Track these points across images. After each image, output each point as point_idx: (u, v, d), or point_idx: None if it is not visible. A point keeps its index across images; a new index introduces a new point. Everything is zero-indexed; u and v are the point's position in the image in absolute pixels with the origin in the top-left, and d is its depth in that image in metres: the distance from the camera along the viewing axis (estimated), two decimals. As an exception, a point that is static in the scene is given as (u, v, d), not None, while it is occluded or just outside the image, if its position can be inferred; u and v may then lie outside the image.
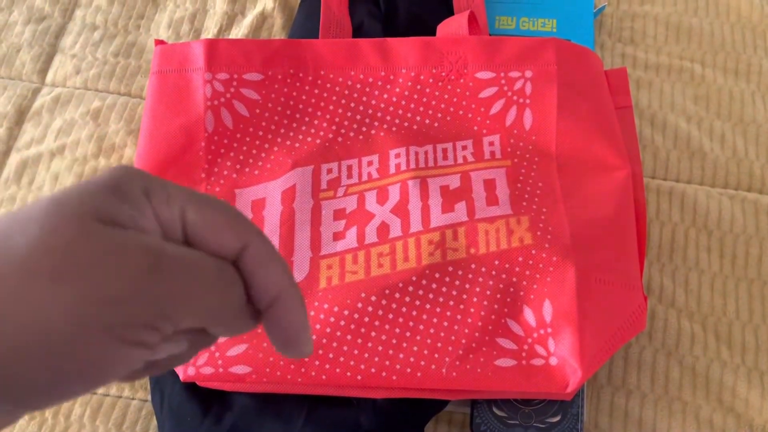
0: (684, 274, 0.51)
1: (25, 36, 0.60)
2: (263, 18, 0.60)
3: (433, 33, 0.52)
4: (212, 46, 0.48)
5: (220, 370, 0.41)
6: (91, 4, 0.62)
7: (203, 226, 0.21)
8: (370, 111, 0.48)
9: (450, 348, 0.41)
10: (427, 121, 0.48)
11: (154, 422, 0.46)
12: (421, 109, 0.48)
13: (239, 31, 0.59)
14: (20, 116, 0.57)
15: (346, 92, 0.48)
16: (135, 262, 0.19)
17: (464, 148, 0.47)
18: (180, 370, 0.42)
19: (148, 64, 0.59)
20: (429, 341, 0.41)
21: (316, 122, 0.48)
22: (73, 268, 0.18)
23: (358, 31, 0.54)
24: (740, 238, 0.52)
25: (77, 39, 0.60)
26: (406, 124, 0.48)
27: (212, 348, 0.42)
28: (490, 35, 0.55)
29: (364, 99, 0.48)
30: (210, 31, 0.60)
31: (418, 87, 0.48)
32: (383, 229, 0.44)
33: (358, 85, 0.48)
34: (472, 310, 0.42)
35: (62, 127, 0.56)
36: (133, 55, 0.59)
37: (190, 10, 0.61)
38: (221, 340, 0.42)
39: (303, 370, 0.41)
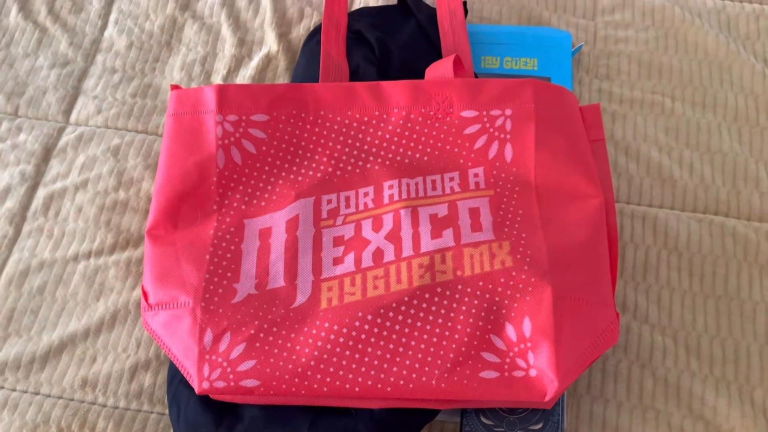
0: (656, 292, 0.55)
1: (51, 79, 0.66)
2: (268, 60, 0.65)
3: (422, 75, 0.57)
4: (222, 90, 0.53)
5: (232, 384, 0.46)
6: (111, 49, 0.67)
7: None
8: (365, 147, 0.53)
9: (439, 362, 0.46)
10: (418, 155, 0.53)
11: (172, 433, 0.51)
12: (412, 144, 0.53)
13: (246, 72, 0.65)
14: (47, 154, 0.62)
15: (344, 130, 0.53)
16: None
17: (451, 179, 0.52)
18: (195, 384, 0.46)
19: (164, 103, 0.64)
20: (420, 356, 0.46)
21: (317, 157, 0.53)
22: None
23: (355, 74, 0.59)
24: (708, 258, 0.56)
25: (98, 81, 0.65)
26: (398, 158, 0.53)
27: (224, 363, 0.46)
28: (476, 74, 0.60)
29: (360, 136, 0.53)
30: (219, 73, 0.65)
31: (409, 125, 0.53)
32: (378, 254, 0.49)
33: (355, 124, 0.54)
34: (458, 327, 0.46)
35: (85, 163, 0.61)
36: (149, 95, 0.65)
37: (201, 53, 0.66)
38: (233, 356, 0.46)
39: (306, 383, 0.45)
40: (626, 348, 0.53)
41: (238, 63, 0.66)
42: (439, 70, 0.55)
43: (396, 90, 0.54)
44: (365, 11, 0.64)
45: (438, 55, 0.60)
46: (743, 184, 0.59)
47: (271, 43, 0.66)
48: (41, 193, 0.60)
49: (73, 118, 0.64)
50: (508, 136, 0.52)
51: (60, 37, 0.68)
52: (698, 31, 0.65)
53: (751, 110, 0.62)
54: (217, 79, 0.65)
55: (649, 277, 0.56)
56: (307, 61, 0.61)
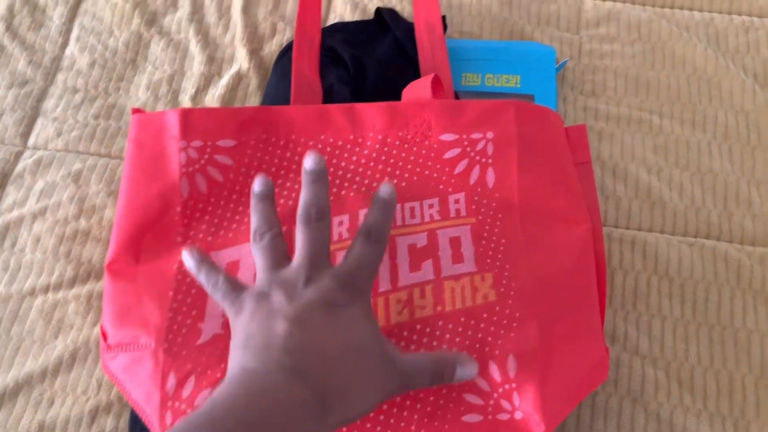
0: (647, 321, 0.53)
1: (8, 100, 0.62)
2: (239, 78, 0.62)
3: (399, 93, 0.54)
4: (186, 115, 0.49)
5: None
6: (72, 68, 0.64)
7: None
8: (339, 173, 0.50)
9: (419, 405, 0.43)
10: (395, 182, 0.50)
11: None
12: (389, 170, 0.50)
13: (216, 91, 0.62)
14: (3, 179, 0.59)
15: (317, 156, 0.50)
16: None
17: (431, 206, 0.49)
18: (155, 429, 0.43)
19: (128, 125, 0.61)
20: (398, 399, 0.43)
21: (288, 184, 0.50)
22: None
23: (328, 94, 0.56)
24: (700, 284, 0.54)
25: (59, 102, 0.62)
26: (375, 184, 0.50)
27: (188, 411, 0.43)
28: (456, 92, 0.58)
29: (334, 161, 0.50)
30: (188, 92, 0.62)
31: (386, 149, 0.50)
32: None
33: (328, 148, 0.51)
34: (438, 368, 0.43)
35: (44, 189, 0.58)
36: (113, 116, 0.61)
37: (168, 72, 0.63)
38: (198, 402, 0.43)
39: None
40: (616, 382, 0.51)
41: (207, 81, 0.62)
42: (417, 90, 0.52)
43: (371, 113, 0.51)
44: (340, 26, 0.61)
45: (416, 72, 0.58)
46: (735, 205, 0.57)
47: (242, 60, 0.63)
48: (-3, 222, 0.57)
49: (31, 141, 0.61)
50: (490, 161, 0.50)
51: (18, 56, 0.64)
52: (686, 45, 0.63)
53: (741, 128, 0.60)
54: (185, 99, 0.62)
55: (639, 306, 0.53)
56: (278, 79, 0.58)
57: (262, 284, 0.40)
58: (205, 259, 0.42)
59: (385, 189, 0.43)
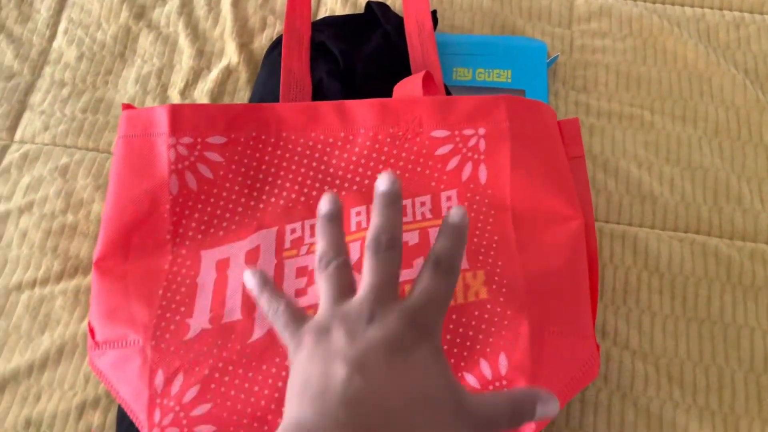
0: (637, 316, 0.53)
1: (-6, 93, 0.61)
2: (228, 72, 0.62)
3: (390, 89, 0.54)
4: (175, 111, 0.49)
5: (185, 430, 0.42)
6: (60, 61, 0.63)
7: None
8: (331, 170, 0.50)
9: (409, 402, 0.43)
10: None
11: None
12: (380, 167, 0.50)
13: (205, 85, 0.61)
14: (-11, 174, 0.58)
15: (308, 152, 0.50)
16: None
17: (422, 204, 0.49)
18: (144, 429, 0.43)
19: (116, 119, 0.60)
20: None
21: (279, 182, 0.50)
22: None
23: (318, 88, 0.56)
24: (690, 280, 0.54)
25: (46, 96, 0.61)
26: (366, 182, 0.50)
27: (176, 408, 0.43)
28: (447, 87, 0.57)
29: (326, 159, 0.50)
30: (177, 86, 0.61)
31: (377, 146, 0.50)
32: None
33: (319, 146, 0.50)
34: (429, 365, 0.43)
35: (31, 184, 0.57)
36: (101, 110, 0.61)
37: (157, 65, 0.62)
38: (186, 399, 0.43)
39: (266, 427, 0.42)
40: (606, 377, 0.51)
41: (196, 75, 0.62)
42: (408, 87, 0.52)
43: (362, 109, 0.50)
44: (330, 21, 0.61)
45: (406, 68, 0.57)
46: (725, 201, 0.57)
47: (231, 54, 0.62)
48: (-17, 218, 0.56)
49: (18, 135, 0.60)
50: (482, 157, 0.49)
51: (5, 49, 0.63)
52: (677, 40, 0.63)
53: (732, 123, 0.60)
54: (174, 93, 0.61)
55: (629, 301, 0.53)
56: (267, 74, 0.58)
57: (324, 318, 0.35)
58: (268, 282, 0.38)
59: (456, 213, 0.37)
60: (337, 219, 0.38)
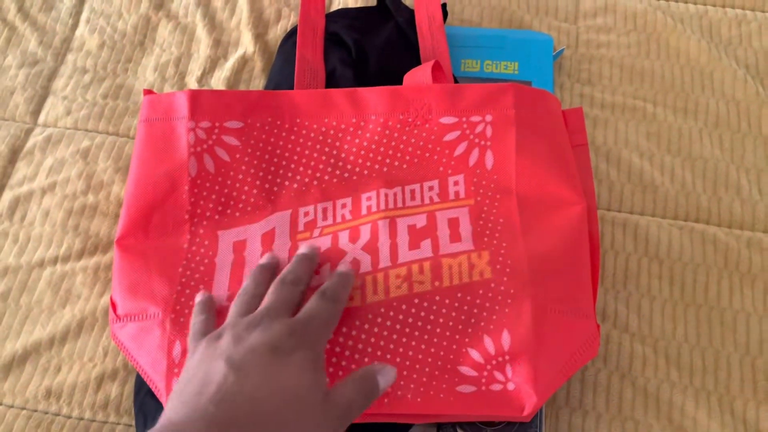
0: (637, 300, 0.55)
1: (19, 79, 0.63)
2: (244, 61, 0.64)
3: (401, 79, 0.56)
4: (195, 96, 0.51)
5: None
6: (82, 49, 0.65)
7: None
8: (343, 155, 0.52)
9: (415, 375, 0.45)
10: (396, 164, 0.52)
11: (141, 447, 0.49)
12: (390, 152, 0.52)
13: (221, 73, 0.63)
14: (13, 155, 0.60)
15: (321, 138, 0.52)
16: None
17: (431, 188, 0.51)
18: (163, 399, 0.45)
19: (136, 105, 0.62)
20: (395, 369, 0.45)
21: (293, 167, 0.52)
22: None
23: (331, 77, 0.58)
24: (688, 266, 0.56)
25: (68, 82, 0.63)
26: (376, 166, 0.52)
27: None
28: (455, 77, 0.59)
29: (338, 144, 0.52)
30: (194, 74, 0.63)
31: (387, 132, 0.52)
32: (354, 264, 0.47)
33: (332, 132, 0.52)
34: (435, 340, 0.45)
35: (53, 166, 0.60)
36: (121, 96, 0.63)
37: (175, 54, 0.65)
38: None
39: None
40: (606, 357, 0.53)
41: (213, 64, 0.64)
42: (418, 76, 0.54)
43: (374, 96, 0.52)
44: (343, 12, 0.63)
45: (416, 58, 0.59)
46: (724, 190, 0.59)
47: (247, 44, 0.64)
48: (7, 197, 0.58)
49: (41, 119, 0.62)
50: (489, 143, 0.51)
51: (29, 36, 0.66)
52: (680, 36, 0.65)
53: (732, 116, 0.62)
54: (192, 81, 0.63)
55: (629, 285, 0.55)
56: (282, 62, 0.60)
57: (221, 328, 0.41)
58: (207, 302, 0.45)
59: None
60: (271, 268, 0.46)
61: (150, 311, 0.47)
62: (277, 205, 0.50)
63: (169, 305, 0.47)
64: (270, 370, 0.37)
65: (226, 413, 0.34)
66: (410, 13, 0.62)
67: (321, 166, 0.52)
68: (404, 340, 0.45)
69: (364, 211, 0.50)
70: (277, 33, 0.65)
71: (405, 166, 0.52)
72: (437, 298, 0.46)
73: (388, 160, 0.52)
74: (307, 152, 0.52)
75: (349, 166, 0.52)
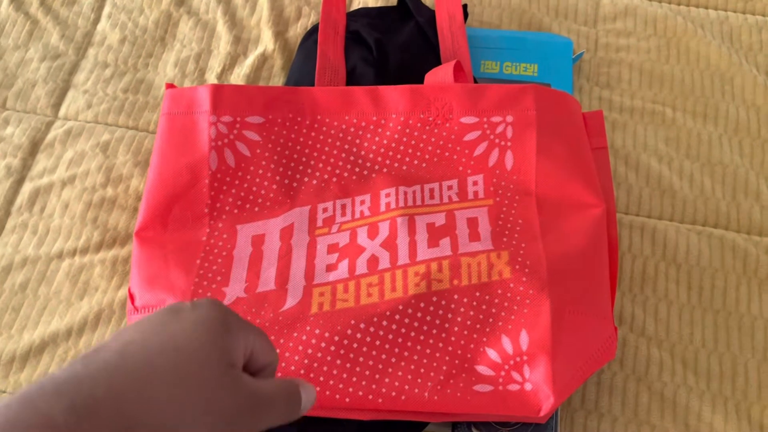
0: (654, 304, 0.54)
1: (41, 72, 0.64)
2: (264, 59, 0.64)
3: (421, 78, 0.56)
4: (217, 90, 0.51)
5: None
6: (103, 43, 0.65)
7: (262, 352, 0.32)
8: (362, 153, 0.52)
9: (432, 373, 0.45)
10: (416, 162, 0.52)
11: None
12: (410, 151, 0.52)
13: (241, 70, 0.63)
14: (34, 147, 0.61)
15: (341, 135, 0.52)
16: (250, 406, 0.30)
17: (450, 188, 0.51)
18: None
19: (156, 100, 0.63)
20: (413, 367, 0.45)
21: (312, 163, 0.52)
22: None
23: (351, 75, 0.58)
24: (707, 271, 0.56)
25: (89, 76, 0.64)
26: (396, 165, 0.52)
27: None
28: (475, 79, 0.59)
29: (358, 142, 0.52)
30: (214, 71, 0.64)
31: (407, 131, 0.52)
32: (373, 261, 0.48)
33: (352, 129, 0.52)
34: (453, 338, 0.45)
35: (73, 158, 0.60)
36: (141, 91, 0.63)
37: (196, 50, 0.65)
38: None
39: (296, 391, 0.44)
40: (622, 361, 0.53)
41: (233, 61, 0.64)
42: (439, 75, 0.54)
43: (395, 95, 0.52)
44: (364, 12, 0.63)
45: (437, 58, 0.59)
46: (743, 197, 0.58)
47: (267, 41, 0.65)
48: (27, 188, 0.59)
49: (62, 112, 0.63)
50: (509, 143, 0.51)
51: (51, 30, 0.66)
52: (700, 41, 0.65)
53: (752, 122, 0.61)
54: (212, 77, 0.63)
55: (646, 289, 0.55)
56: (303, 60, 0.60)
57: None
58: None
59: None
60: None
61: (168, 302, 0.47)
62: (296, 200, 0.51)
63: (187, 296, 0.47)
64: (160, 322, 0.31)
65: (119, 361, 0.28)
66: (431, 13, 0.62)
67: (340, 163, 0.52)
68: (422, 337, 0.45)
69: (382, 208, 0.50)
70: (297, 31, 0.66)
71: (424, 164, 0.52)
72: (456, 296, 0.46)
73: (407, 159, 0.52)
74: (327, 149, 0.52)
75: (368, 164, 0.52)
